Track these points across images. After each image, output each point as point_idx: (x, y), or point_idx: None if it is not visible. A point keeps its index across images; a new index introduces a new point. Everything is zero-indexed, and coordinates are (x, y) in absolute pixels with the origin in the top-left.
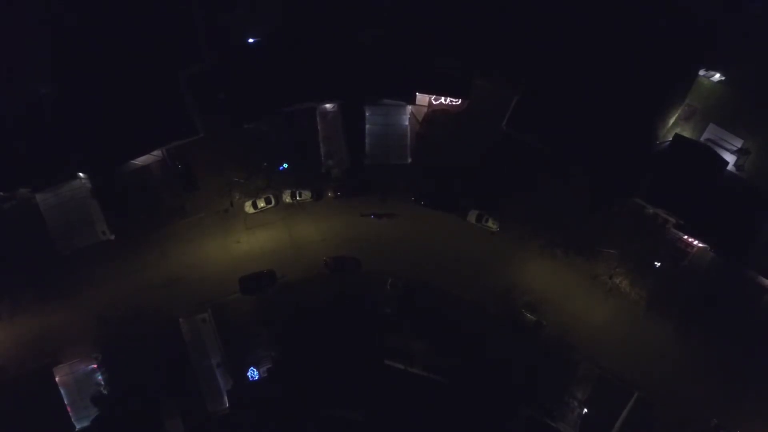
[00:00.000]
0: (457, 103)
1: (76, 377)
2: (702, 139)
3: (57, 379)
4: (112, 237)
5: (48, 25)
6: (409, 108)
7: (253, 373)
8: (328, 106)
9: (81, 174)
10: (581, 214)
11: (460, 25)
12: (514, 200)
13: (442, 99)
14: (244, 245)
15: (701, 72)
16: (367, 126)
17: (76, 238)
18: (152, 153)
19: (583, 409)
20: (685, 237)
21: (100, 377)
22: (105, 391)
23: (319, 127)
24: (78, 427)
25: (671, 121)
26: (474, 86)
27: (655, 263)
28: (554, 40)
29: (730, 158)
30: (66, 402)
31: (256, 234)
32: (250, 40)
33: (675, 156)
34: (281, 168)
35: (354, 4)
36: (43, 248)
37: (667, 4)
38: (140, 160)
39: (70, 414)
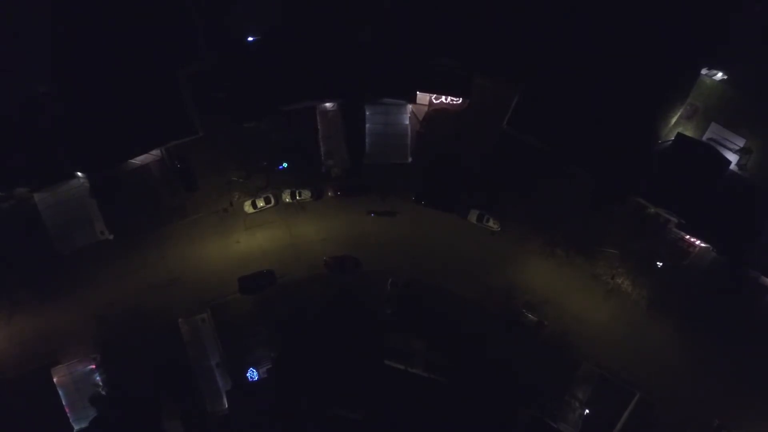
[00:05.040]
0: (458, 102)
1: (75, 378)
2: (704, 138)
3: (55, 379)
4: (111, 237)
5: (47, 24)
6: (410, 107)
7: (252, 374)
8: (328, 105)
9: (79, 173)
10: (582, 214)
11: (460, 25)
12: (515, 200)
13: (443, 98)
14: (243, 245)
15: (703, 71)
16: (368, 125)
17: (74, 237)
18: (151, 152)
19: (584, 410)
20: (687, 236)
21: (98, 378)
22: (103, 392)
23: (319, 127)
24: (76, 427)
25: (673, 120)
26: (474, 86)
27: (657, 263)
28: (555, 40)
29: (733, 157)
30: (64, 403)
31: (256, 234)
32: (250, 39)
33: (677, 155)
34: (281, 167)
35: (354, 3)
36: (41, 248)
37: (668, 3)
38: (139, 160)
39: (69, 415)
